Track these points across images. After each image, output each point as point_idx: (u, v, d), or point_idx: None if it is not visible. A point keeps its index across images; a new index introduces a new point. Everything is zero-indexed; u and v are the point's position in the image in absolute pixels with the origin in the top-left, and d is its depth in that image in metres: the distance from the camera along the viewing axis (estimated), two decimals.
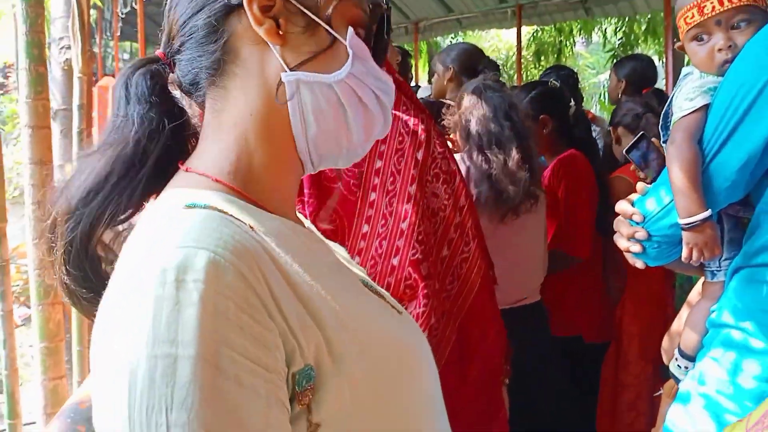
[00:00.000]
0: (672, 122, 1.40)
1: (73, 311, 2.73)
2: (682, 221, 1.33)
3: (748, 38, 1.31)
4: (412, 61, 6.66)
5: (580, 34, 12.09)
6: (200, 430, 0.56)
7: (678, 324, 1.60)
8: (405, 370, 0.77)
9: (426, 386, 0.81)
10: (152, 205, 0.75)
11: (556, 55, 11.80)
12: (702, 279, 1.54)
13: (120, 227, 0.79)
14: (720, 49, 1.35)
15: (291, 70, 0.74)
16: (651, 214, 1.40)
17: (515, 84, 8.14)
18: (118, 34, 13.63)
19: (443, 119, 2.46)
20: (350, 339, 0.69)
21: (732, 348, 1.33)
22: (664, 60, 4.62)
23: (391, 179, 1.57)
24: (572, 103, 2.88)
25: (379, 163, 1.58)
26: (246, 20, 0.75)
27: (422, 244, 1.55)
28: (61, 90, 5.33)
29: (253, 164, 0.76)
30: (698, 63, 1.40)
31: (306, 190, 1.52)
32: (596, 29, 11.59)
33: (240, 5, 0.75)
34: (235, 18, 0.76)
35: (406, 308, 1.50)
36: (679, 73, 1.51)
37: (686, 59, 1.52)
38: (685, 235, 1.34)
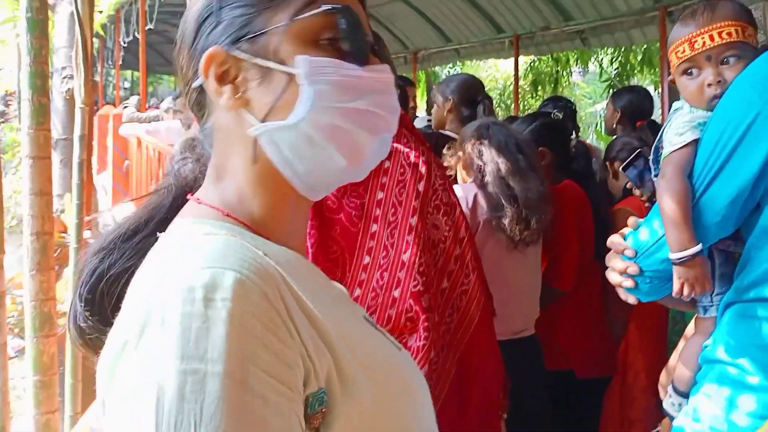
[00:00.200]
0: (662, 156, 1.41)
1: (67, 344, 2.71)
2: (673, 256, 1.33)
3: (738, 73, 1.33)
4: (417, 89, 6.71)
5: (576, 64, 12.25)
6: None
7: (675, 359, 1.59)
8: (407, 400, 0.78)
9: (425, 421, 0.81)
10: (167, 234, 0.76)
11: (553, 85, 11.93)
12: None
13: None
14: (709, 84, 1.37)
15: (262, 121, 0.76)
16: (643, 248, 1.40)
17: (512, 113, 8.22)
18: (120, 63, 13.81)
19: (443, 155, 2.49)
20: (358, 365, 0.70)
21: (725, 384, 1.32)
22: (660, 90, 4.68)
23: (393, 210, 1.57)
24: (573, 135, 2.91)
25: (380, 195, 1.59)
26: None
27: (424, 276, 1.54)
28: (62, 119, 5.38)
29: (256, 205, 0.78)
30: (688, 97, 1.42)
31: (308, 222, 1.53)
32: (593, 59, 11.74)
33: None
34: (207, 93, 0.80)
35: (406, 342, 1.50)
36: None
37: None
38: (676, 269, 1.34)
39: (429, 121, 3.36)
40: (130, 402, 0.60)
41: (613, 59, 11.06)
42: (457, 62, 9.98)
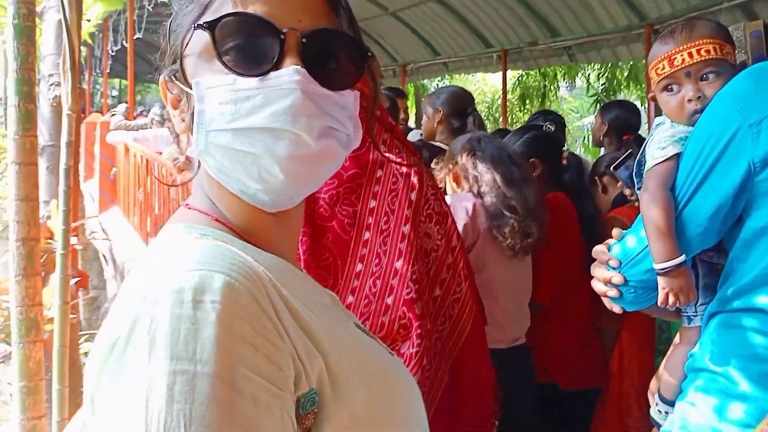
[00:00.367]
0: (645, 170, 1.44)
1: (54, 350, 2.69)
2: (657, 266, 1.36)
3: (717, 90, 1.36)
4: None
5: (564, 79, 12.37)
6: None
7: (663, 367, 1.61)
8: (400, 405, 0.78)
9: (417, 428, 0.81)
10: (157, 238, 0.77)
11: (540, 99, 12.03)
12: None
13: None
14: (690, 100, 1.41)
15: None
16: (627, 259, 1.43)
17: (501, 127, 8.28)
18: (108, 71, 13.76)
19: (432, 168, 2.51)
20: (350, 368, 0.70)
21: (710, 393, 1.34)
22: (646, 105, 4.74)
23: (385, 219, 1.58)
24: (565, 147, 2.93)
25: (372, 203, 1.59)
26: None
27: (416, 284, 1.55)
28: (48, 126, 5.34)
29: (235, 213, 0.78)
30: (669, 113, 1.46)
31: (300, 228, 1.53)
32: (580, 74, 11.86)
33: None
34: None
35: (399, 349, 1.50)
36: None
37: None
38: (660, 280, 1.37)
39: (422, 135, 3.39)
40: (119, 402, 0.59)
41: (600, 75, 11.19)
42: (446, 76, 10.04)
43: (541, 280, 2.51)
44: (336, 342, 0.71)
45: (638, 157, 1.51)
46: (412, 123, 7.57)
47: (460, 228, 2.16)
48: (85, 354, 4.83)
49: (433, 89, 11.89)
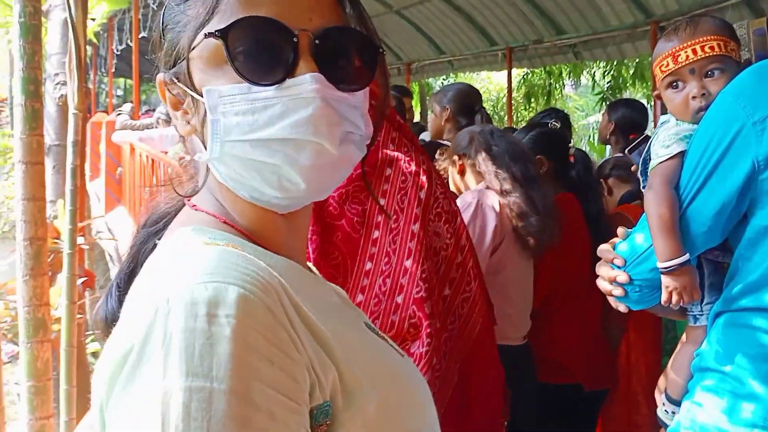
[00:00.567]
0: (650, 168, 1.43)
1: (61, 350, 2.69)
2: (660, 265, 1.35)
3: (722, 87, 1.36)
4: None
5: (569, 77, 12.35)
6: None
7: (670, 367, 1.61)
8: (411, 406, 0.77)
9: (428, 428, 0.81)
10: (166, 242, 0.75)
11: (546, 97, 12.01)
12: None
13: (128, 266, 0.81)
14: (694, 97, 1.40)
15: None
16: (632, 257, 1.43)
17: (506, 125, 8.27)
18: (113, 70, 13.79)
19: (435, 160, 2.50)
20: (362, 374, 0.69)
21: (717, 393, 1.34)
22: (652, 103, 4.72)
23: (395, 217, 1.58)
24: (571, 143, 2.92)
25: (382, 202, 1.59)
26: None
27: (426, 283, 1.55)
28: (54, 126, 5.36)
29: (244, 215, 0.77)
30: (674, 110, 1.45)
31: (309, 227, 1.53)
32: (585, 72, 11.83)
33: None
34: None
35: (408, 348, 1.50)
36: None
37: None
38: (663, 278, 1.37)
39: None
40: (133, 419, 0.59)
41: (606, 73, 11.16)
42: (450, 74, 10.04)
43: (536, 284, 2.49)
44: (347, 347, 0.70)
45: (643, 155, 1.51)
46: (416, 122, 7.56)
47: (490, 229, 2.22)
48: (92, 354, 4.84)
49: (437, 88, 11.88)
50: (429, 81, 12.90)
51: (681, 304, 1.38)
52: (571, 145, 2.87)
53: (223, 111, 0.71)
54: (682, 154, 1.38)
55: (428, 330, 1.52)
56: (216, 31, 0.70)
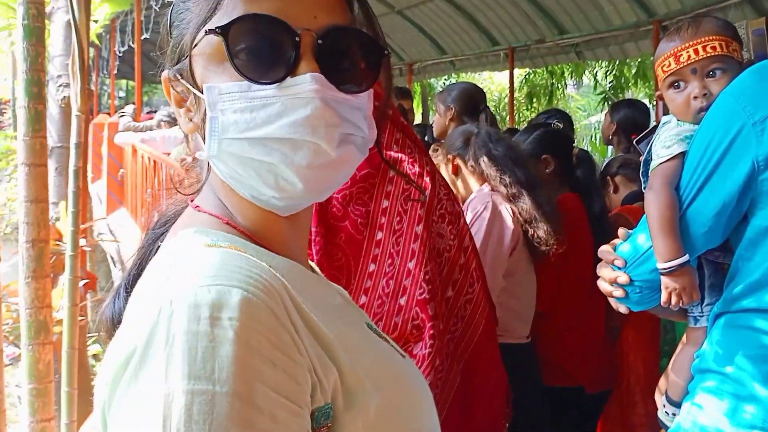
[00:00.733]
0: (651, 169, 1.44)
1: (63, 352, 2.69)
2: (660, 266, 1.35)
3: (723, 87, 1.36)
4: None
5: (571, 77, 12.32)
6: None
7: (671, 368, 1.60)
8: (412, 408, 0.77)
9: (430, 427, 0.81)
10: (168, 244, 0.75)
11: (548, 97, 12.00)
12: None
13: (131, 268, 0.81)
14: (695, 97, 1.40)
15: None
16: (632, 258, 1.43)
17: (508, 125, 8.26)
18: (115, 72, 13.82)
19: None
20: (364, 375, 0.69)
21: (718, 394, 1.34)
22: (654, 103, 4.72)
23: (398, 219, 1.57)
24: (574, 144, 2.92)
25: (385, 203, 1.58)
26: None
27: (429, 284, 1.54)
28: (57, 127, 5.37)
29: (246, 215, 0.77)
30: (675, 110, 1.45)
31: (312, 229, 1.52)
32: (587, 72, 11.81)
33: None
34: None
35: (411, 350, 1.49)
36: None
37: None
38: (663, 279, 1.37)
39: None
40: (135, 421, 0.59)
41: (608, 72, 11.15)
42: (452, 74, 10.03)
43: (541, 286, 2.49)
44: (349, 347, 0.70)
45: (644, 155, 1.51)
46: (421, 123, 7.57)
47: (509, 231, 2.26)
48: (94, 356, 4.85)
49: (439, 88, 11.87)
50: (431, 81, 12.89)
51: (681, 305, 1.38)
52: (574, 145, 2.87)
53: (222, 108, 0.70)
54: (683, 155, 1.38)
55: (431, 331, 1.52)
56: (216, 27, 0.70)
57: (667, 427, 1.51)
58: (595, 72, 11.57)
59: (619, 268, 1.44)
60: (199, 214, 0.77)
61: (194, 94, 0.74)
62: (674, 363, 1.55)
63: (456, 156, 2.46)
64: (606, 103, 10.58)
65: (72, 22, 2.79)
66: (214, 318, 0.59)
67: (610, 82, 11.19)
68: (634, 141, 1.64)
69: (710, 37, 1.39)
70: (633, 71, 10.61)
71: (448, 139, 2.57)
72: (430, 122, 3.45)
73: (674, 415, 1.49)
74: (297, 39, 0.70)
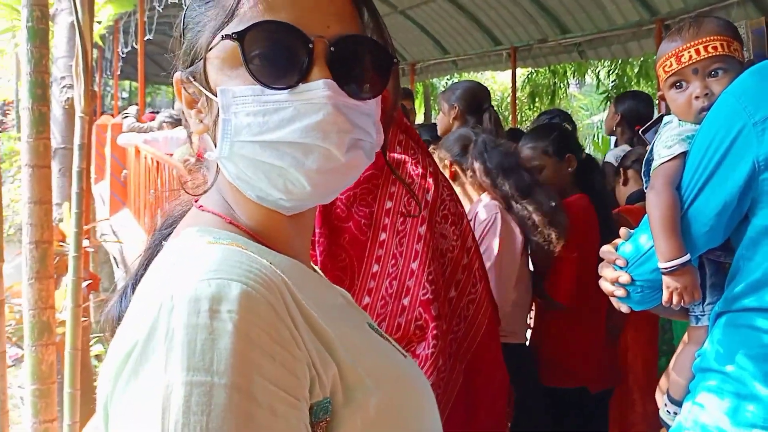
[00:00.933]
0: (652, 169, 1.44)
1: (66, 353, 2.70)
2: (661, 265, 1.35)
3: (725, 87, 1.36)
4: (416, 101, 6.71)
5: (573, 77, 12.31)
6: None
7: (672, 367, 1.60)
8: (413, 407, 0.77)
9: (431, 429, 0.81)
10: (171, 242, 0.76)
11: (550, 97, 11.99)
12: None
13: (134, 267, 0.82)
14: (697, 97, 1.40)
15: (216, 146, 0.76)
16: (634, 258, 1.43)
17: (510, 125, 8.26)
18: (118, 73, 13.84)
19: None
20: (364, 372, 0.70)
21: (718, 393, 1.34)
22: (657, 102, 4.71)
23: (401, 220, 1.58)
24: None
25: (389, 204, 1.59)
26: None
27: (433, 284, 1.55)
28: (60, 129, 5.38)
29: (250, 215, 0.78)
30: (677, 110, 1.45)
31: (317, 230, 1.53)
32: (589, 71, 11.80)
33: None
34: None
35: (414, 350, 1.50)
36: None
37: None
38: (665, 279, 1.37)
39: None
40: (134, 413, 0.59)
41: (610, 72, 11.15)
42: (455, 74, 10.03)
43: (563, 282, 2.51)
44: (349, 345, 0.71)
45: (646, 155, 1.51)
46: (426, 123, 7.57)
47: (519, 239, 2.33)
48: (96, 357, 4.85)
49: (442, 88, 11.86)
50: (433, 81, 12.90)
51: (682, 304, 1.38)
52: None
53: (235, 111, 0.71)
54: (684, 155, 1.38)
55: (434, 332, 1.52)
56: (233, 33, 0.71)
57: (668, 426, 1.51)
58: (597, 71, 11.57)
59: (621, 268, 1.44)
60: (202, 214, 0.78)
61: (206, 96, 0.75)
62: (676, 362, 1.55)
63: (453, 162, 2.47)
64: (608, 103, 10.56)
65: (75, 23, 2.80)
66: (213, 311, 0.60)
67: (612, 82, 11.19)
68: (640, 131, 1.63)
69: (711, 38, 1.39)
70: (636, 70, 10.61)
71: (445, 142, 2.58)
72: (433, 122, 3.45)
73: (675, 414, 1.49)
74: (310, 46, 0.71)
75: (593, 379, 2.60)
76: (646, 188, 1.47)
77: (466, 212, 2.20)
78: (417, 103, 10.42)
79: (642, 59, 9.63)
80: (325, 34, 0.72)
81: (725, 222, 1.32)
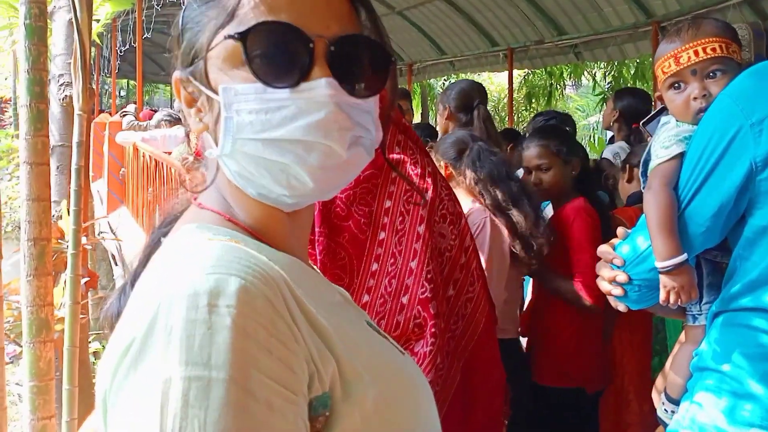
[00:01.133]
0: (650, 169, 1.45)
1: (64, 350, 2.70)
2: (659, 265, 1.36)
3: (723, 88, 1.37)
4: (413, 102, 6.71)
5: (570, 78, 12.32)
6: None
7: (669, 366, 1.62)
8: (411, 404, 0.78)
9: (428, 426, 0.82)
10: (170, 239, 0.77)
11: (546, 98, 12.00)
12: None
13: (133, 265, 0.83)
14: (695, 98, 1.41)
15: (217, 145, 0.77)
16: (631, 257, 1.44)
17: (507, 126, 8.27)
18: (116, 71, 13.81)
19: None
20: (362, 367, 0.71)
21: (716, 393, 1.35)
22: (653, 103, 4.73)
23: (401, 219, 1.59)
24: None
25: (388, 203, 1.60)
26: None
27: (431, 283, 1.56)
28: (58, 126, 5.37)
29: (249, 212, 0.79)
30: (675, 111, 1.47)
31: (316, 228, 1.55)
32: (586, 73, 11.81)
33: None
34: None
35: (412, 348, 1.51)
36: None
37: None
38: (662, 278, 1.38)
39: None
40: (133, 407, 0.60)
41: (606, 73, 11.16)
42: (452, 75, 10.04)
43: (591, 281, 2.51)
44: (348, 342, 0.71)
45: (644, 156, 1.52)
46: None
47: (506, 246, 2.39)
48: (94, 354, 4.85)
49: (439, 89, 11.86)
50: (430, 82, 12.90)
51: (679, 303, 1.39)
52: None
53: (237, 109, 0.72)
54: (681, 155, 1.39)
55: (432, 330, 1.53)
56: (236, 33, 0.72)
57: (666, 425, 1.52)
58: (593, 73, 11.58)
59: (618, 267, 1.45)
60: (201, 211, 0.79)
61: (206, 95, 0.76)
62: (673, 361, 1.56)
63: (448, 165, 2.50)
64: (604, 104, 10.58)
65: (74, 21, 2.80)
66: (211, 305, 0.60)
67: (608, 83, 11.20)
68: (641, 123, 1.65)
69: (710, 39, 1.40)
70: (632, 72, 10.62)
71: (441, 143, 2.61)
72: (430, 122, 3.48)
73: (673, 413, 1.50)
74: (311, 45, 0.72)
75: (590, 380, 2.61)
76: (643, 188, 1.48)
77: None
78: (414, 103, 10.42)
79: (638, 61, 9.64)
80: (325, 34, 0.73)
81: (722, 222, 1.34)
